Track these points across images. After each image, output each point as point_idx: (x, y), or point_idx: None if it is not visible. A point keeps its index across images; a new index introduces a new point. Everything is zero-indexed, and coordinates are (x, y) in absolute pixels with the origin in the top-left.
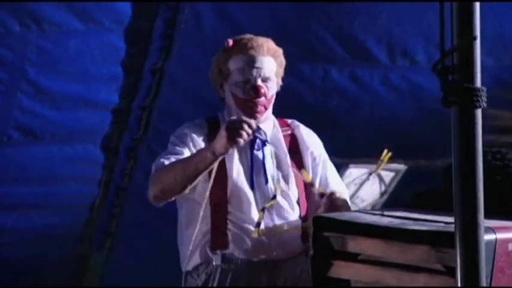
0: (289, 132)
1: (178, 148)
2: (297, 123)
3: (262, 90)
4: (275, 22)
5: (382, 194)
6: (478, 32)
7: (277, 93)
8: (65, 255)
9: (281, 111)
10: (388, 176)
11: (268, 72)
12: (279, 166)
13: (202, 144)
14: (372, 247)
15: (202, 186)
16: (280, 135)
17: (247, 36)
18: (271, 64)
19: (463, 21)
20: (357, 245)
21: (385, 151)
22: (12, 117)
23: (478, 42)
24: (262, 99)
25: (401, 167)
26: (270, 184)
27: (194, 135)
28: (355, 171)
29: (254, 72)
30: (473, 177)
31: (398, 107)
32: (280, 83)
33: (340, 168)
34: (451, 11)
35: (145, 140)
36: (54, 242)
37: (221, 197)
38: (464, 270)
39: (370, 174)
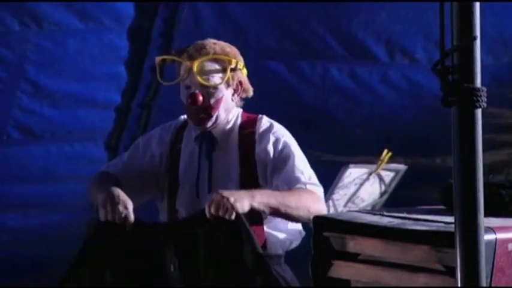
0: (252, 132)
1: (124, 157)
2: (263, 121)
3: (200, 98)
4: (275, 21)
5: (382, 194)
6: (478, 32)
7: (277, 91)
8: (65, 255)
9: (280, 109)
10: (388, 176)
11: (210, 78)
12: (223, 176)
13: (166, 148)
14: (372, 247)
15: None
16: (235, 140)
17: (197, 42)
18: (212, 68)
19: (463, 21)
20: (357, 245)
21: (385, 151)
22: (11, 116)
23: (478, 42)
24: (202, 106)
25: (401, 167)
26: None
27: (161, 139)
28: (355, 171)
29: (191, 79)
30: (473, 177)
31: (398, 105)
32: (245, 84)
33: (340, 167)
34: (451, 11)
35: None
36: (54, 242)
37: (172, 204)
38: (464, 270)
39: (370, 174)
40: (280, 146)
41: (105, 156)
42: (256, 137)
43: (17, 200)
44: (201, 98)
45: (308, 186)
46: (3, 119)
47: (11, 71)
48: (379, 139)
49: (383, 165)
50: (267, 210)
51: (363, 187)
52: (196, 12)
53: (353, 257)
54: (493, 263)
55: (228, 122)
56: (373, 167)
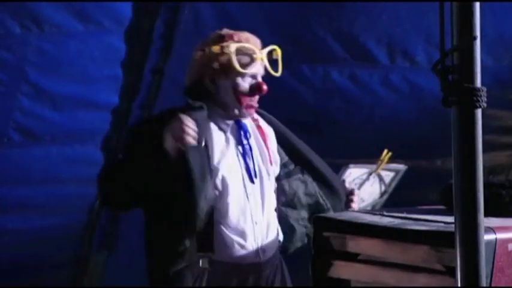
0: (257, 122)
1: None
2: (256, 115)
3: (265, 87)
4: (275, 23)
5: (382, 194)
6: (478, 32)
7: (278, 94)
8: (65, 256)
9: (281, 111)
10: (388, 176)
11: (264, 67)
12: (263, 161)
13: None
14: (372, 247)
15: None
16: (254, 126)
17: (235, 32)
18: (265, 56)
19: (463, 21)
20: (357, 245)
21: (385, 151)
22: (12, 119)
23: (478, 42)
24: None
25: (401, 167)
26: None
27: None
28: (355, 171)
29: (258, 67)
30: (473, 177)
31: (399, 107)
32: None
33: (340, 168)
34: (451, 11)
35: None
36: (54, 243)
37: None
38: (464, 270)
39: (370, 174)
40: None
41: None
42: (262, 124)
43: (17, 201)
44: (265, 87)
45: None
46: (3, 121)
47: (12, 73)
48: (379, 141)
49: (383, 165)
50: None
51: (363, 187)
52: (197, 14)
53: (353, 257)
54: (493, 263)
55: None
56: (373, 167)
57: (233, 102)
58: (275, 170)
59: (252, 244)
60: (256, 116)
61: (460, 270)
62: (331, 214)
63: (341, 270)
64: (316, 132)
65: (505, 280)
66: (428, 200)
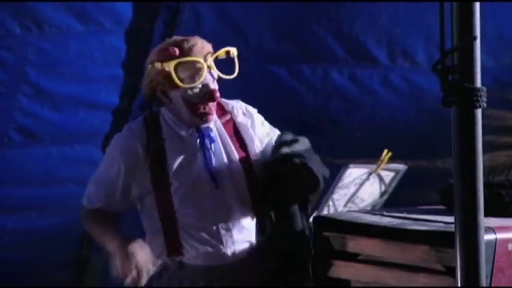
0: (228, 118)
1: (105, 180)
2: (231, 105)
3: (217, 94)
4: (275, 23)
5: (382, 194)
6: (478, 32)
7: (278, 94)
8: (65, 256)
9: (281, 111)
10: (388, 176)
11: (215, 72)
12: (231, 163)
13: (139, 153)
14: (372, 247)
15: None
16: (221, 126)
17: (183, 39)
18: (212, 62)
19: (463, 21)
20: (357, 245)
21: (385, 151)
22: (12, 119)
23: (478, 42)
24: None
25: (401, 167)
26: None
27: (129, 149)
28: (355, 171)
29: (208, 77)
30: (473, 177)
31: (399, 107)
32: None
33: (340, 168)
34: (451, 11)
35: None
36: (54, 243)
37: (166, 203)
38: (464, 270)
39: (370, 174)
40: (260, 121)
41: None
42: (235, 117)
43: (18, 202)
44: (217, 94)
45: None
46: (4, 121)
47: (12, 73)
48: (379, 141)
49: (383, 165)
50: None
51: (363, 187)
52: (197, 14)
53: (353, 257)
54: (493, 263)
55: None
56: (373, 167)
57: (186, 112)
58: (258, 157)
59: (219, 248)
60: (229, 108)
61: (460, 270)
62: (331, 214)
63: (341, 270)
64: (316, 132)
65: (505, 280)
66: (428, 200)
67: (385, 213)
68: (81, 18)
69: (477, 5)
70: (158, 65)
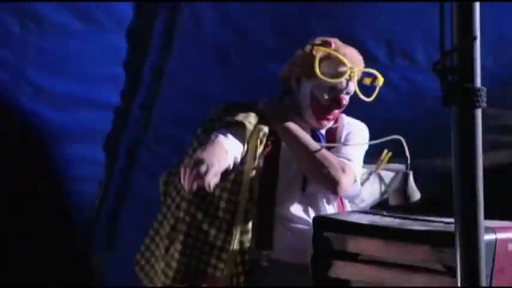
0: (335, 126)
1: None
2: (342, 115)
3: (344, 102)
4: (275, 22)
5: (382, 194)
6: (478, 32)
7: (278, 93)
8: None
9: None
10: (388, 176)
11: (352, 86)
12: None
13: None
14: (372, 247)
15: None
16: (329, 132)
17: (345, 44)
18: (356, 75)
19: (463, 21)
20: (357, 245)
21: (385, 151)
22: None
23: (478, 42)
24: (340, 110)
25: (401, 167)
26: None
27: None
28: None
29: (344, 83)
30: (473, 177)
31: (398, 106)
32: None
33: None
34: (451, 11)
35: (145, 140)
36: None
37: (269, 195)
38: (464, 270)
39: (370, 174)
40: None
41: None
42: (341, 127)
43: None
44: (344, 102)
45: (348, 163)
46: None
47: (11, 72)
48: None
49: (383, 165)
50: (287, 138)
51: (363, 187)
52: (197, 13)
53: (353, 257)
54: (493, 263)
55: None
56: (373, 167)
57: (308, 107)
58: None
59: (303, 247)
60: (342, 116)
61: (460, 270)
62: (331, 214)
63: (341, 270)
64: None
65: (505, 280)
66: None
67: (385, 213)
68: (81, 17)
69: (477, 5)
70: (309, 47)
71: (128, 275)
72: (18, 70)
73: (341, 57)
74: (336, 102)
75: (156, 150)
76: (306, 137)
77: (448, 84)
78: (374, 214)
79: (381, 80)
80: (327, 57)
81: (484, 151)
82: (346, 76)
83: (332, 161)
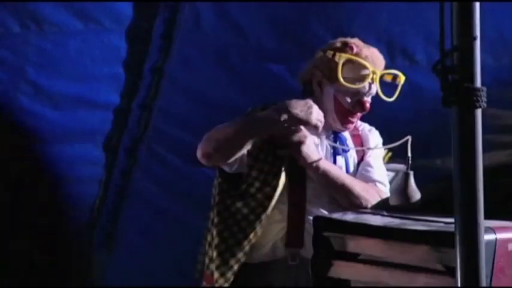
0: (357, 133)
1: None
2: (360, 122)
3: (368, 105)
4: (275, 22)
5: None
6: (478, 32)
7: (278, 93)
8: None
9: None
10: (388, 176)
11: (375, 88)
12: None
13: None
14: (372, 247)
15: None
16: (351, 137)
17: (366, 45)
18: (378, 77)
19: (463, 21)
20: (357, 245)
21: (385, 151)
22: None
23: (478, 42)
24: (362, 114)
25: (401, 167)
26: None
27: None
28: None
29: (366, 87)
30: (473, 177)
31: (398, 106)
32: None
33: None
34: (451, 11)
35: (145, 140)
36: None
37: (299, 194)
38: (464, 270)
39: None
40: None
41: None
42: (363, 134)
43: None
44: (368, 105)
45: (378, 184)
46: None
47: (11, 72)
48: None
49: None
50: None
51: None
52: (197, 13)
53: (353, 257)
54: (493, 263)
55: None
56: None
57: (331, 111)
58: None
59: None
60: (359, 123)
61: (460, 270)
62: (331, 214)
63: (341, 270)
64: None
65: (505, 280)
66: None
67: (385, 213)
68: (81, 17)
69: (477, 5)
70: (330, 53)
71: (128, 275)
72: (18, 70)
73: (363, 61)
74: (359, 106)
75: (156, 150)
76: (332, 170)
77: (448, 84)
78: (374, 214)
79: (402, 78)
80: (349, 62)
81: (484, 151)
82: (369, 80)
83: (364, 196)
